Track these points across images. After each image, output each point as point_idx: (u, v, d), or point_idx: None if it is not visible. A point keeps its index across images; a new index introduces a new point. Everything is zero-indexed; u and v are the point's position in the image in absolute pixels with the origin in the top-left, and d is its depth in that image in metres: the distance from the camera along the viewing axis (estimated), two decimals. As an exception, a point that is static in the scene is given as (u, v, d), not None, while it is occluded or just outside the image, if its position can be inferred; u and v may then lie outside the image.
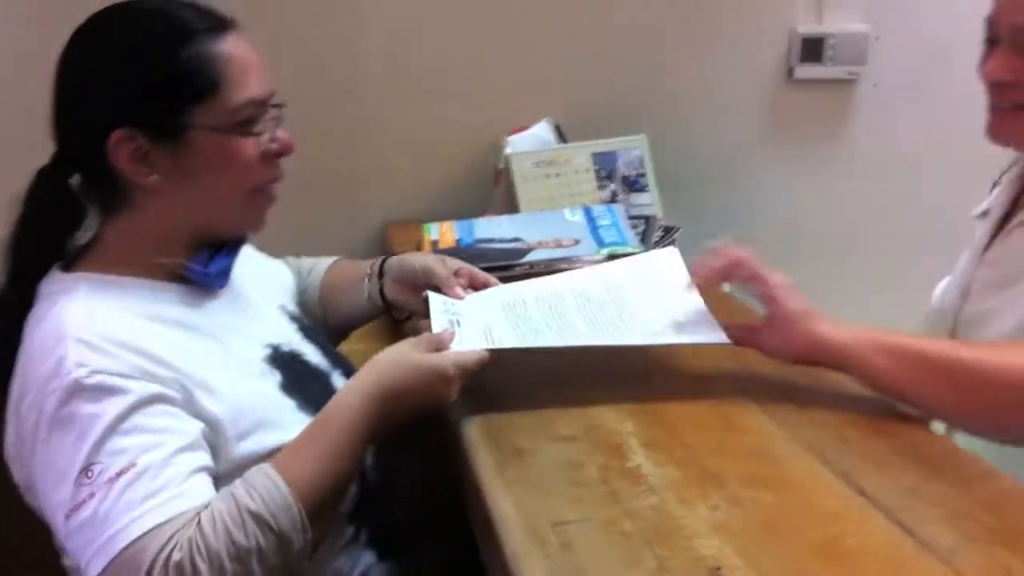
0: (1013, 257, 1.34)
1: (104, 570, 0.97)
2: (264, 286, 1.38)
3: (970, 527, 0.95)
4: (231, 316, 1.23)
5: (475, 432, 1.18)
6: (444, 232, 1.79)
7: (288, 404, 1.19)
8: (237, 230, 1.24)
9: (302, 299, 1.50)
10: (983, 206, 1.48)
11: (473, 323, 1.28)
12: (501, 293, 1.38)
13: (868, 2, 2.30)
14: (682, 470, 1.06)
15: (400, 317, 1.48)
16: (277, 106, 1.21)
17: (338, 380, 1.32)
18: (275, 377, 1.21)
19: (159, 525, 0.98)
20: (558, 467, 1.09)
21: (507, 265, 1.64)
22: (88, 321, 1.07)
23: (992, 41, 1.31)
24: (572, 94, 2.21)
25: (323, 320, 1.50)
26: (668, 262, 1.42)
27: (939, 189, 2.29)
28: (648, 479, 1.05)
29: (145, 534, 0.97)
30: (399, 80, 2.14)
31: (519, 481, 1.06)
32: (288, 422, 1.16)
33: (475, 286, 1.39)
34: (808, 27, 2.28)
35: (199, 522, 1.00)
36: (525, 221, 1.85)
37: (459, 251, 1.71)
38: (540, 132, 2.10)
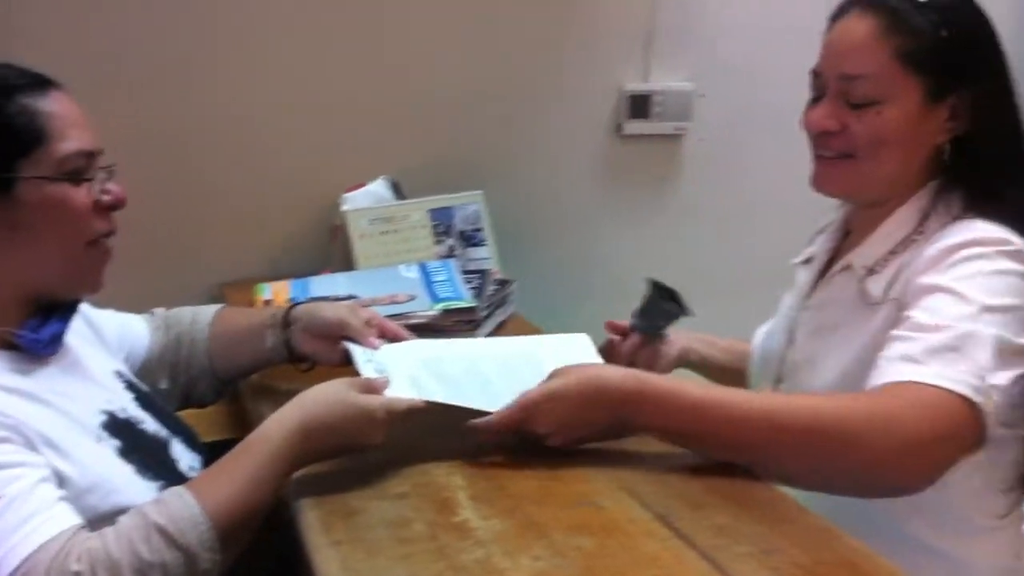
0: (836, 302, 1.39)
1: None
2: (100, 351, 1.35)
3: (780, 563, 0.99)
4: (64, 382, 1.20)
5: (304, 493, 1.17)
6: (278, 292, 1.78)
7: (126, 469, 1.17)
8: (73, 290, 1.23)
9: (188, 350, 1.48)
10: (806, 253, 1.54)
11: (397, 374, 1.30)
12: (418, 348, 1.40)
13: (691, 61, 2.41)
14: (508, 521, 1.08)
15: (304, 367, 1.47)
16: (106, 167, 1.22)
17: (178, 447, 1.30)
18: (113, 443, 1.18)
19: (42, 545, 0.98)
20: (387, 525, 1.09)
21: (341, 323, 1.64)
22: None
23: (818, 95, 1.36)
24: (408, 151, 2.24)
25: (211, 368, 1.48)
26: (581, 346, 1.44)
27: (762, 236, 2.40)
28: (475, 532, 1.06)
29: (30, 556, 0.97)
30: (231, 137, 2.13)
31: (347, 541, 1.06)
32: (127, 486, 1.14)
33: (385, 336, 1.42)
34: (635, 85, 2.37)
35: (103, 534, 1.00)
36: (361, 278, 1.85)
37: (293, 310, 1.70)
38: (377, 189, 2.11)
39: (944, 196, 1.32)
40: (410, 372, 1.32)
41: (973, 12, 1.32)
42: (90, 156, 1.19)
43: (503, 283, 1.90)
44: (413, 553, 1.03)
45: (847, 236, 1.46)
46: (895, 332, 1.19)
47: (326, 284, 1.81)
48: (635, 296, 2.32)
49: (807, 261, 1.52)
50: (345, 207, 2.04)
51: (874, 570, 0.99)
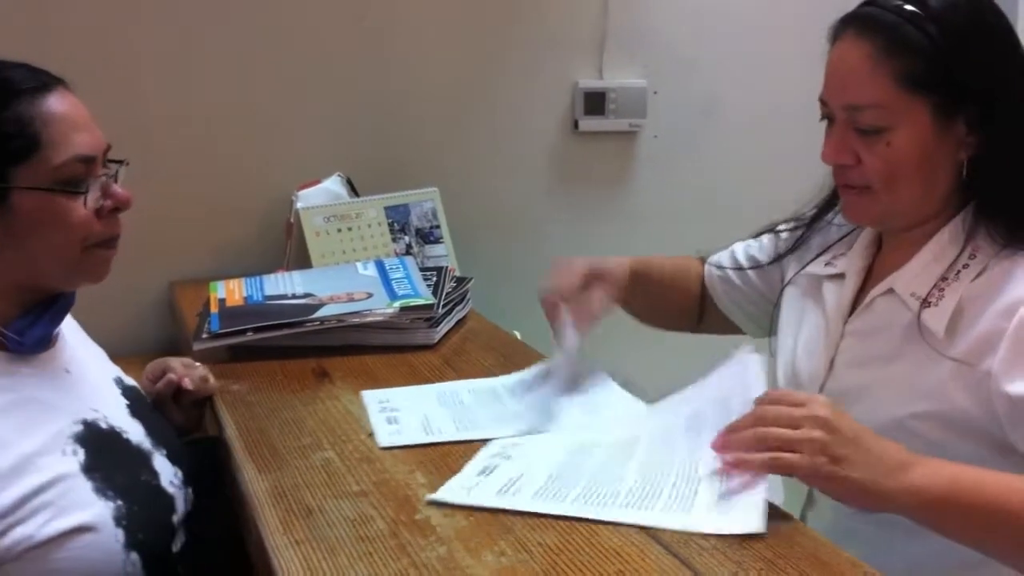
0: (883, 331, 1.30)
1: None
2: (100, 354, 1.35)
3: (743, 556, 0.99)
4: (46, 388, 1.18)
5: (262, 492, 1.16)
6: (232, 290, 1.75)
7: (86, 486, 1.14)
8: (72, 284, 1.21)
9: None
10: (834, 265, 1.40)
11: (529, 466, 1.17)
12: (562, 437, 1.27)
13: (645, 59, 2.42)
14: (470, 519, 1.07)
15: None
16: (115, 161, 1.20)
17: (160, 460, 1.27)
18: (78, 457, 1.15)
19: None
20: (347, 523, 1.08)
21: (297, 322, 1.62)
22: None
23: (828, 119, 1.29)
24: (363, 148, 2.22)
25: None
26: (747, 372, 1.23)
27: (713, 233, 2.40)
28: (437, 530, 1.05)
29: None
30: (183, 133, 2.09)
31: (307, 540, 1.05)
32: (82, 503, 1.12)
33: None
34: (590, 82, 2.37)
35: None
36: (317, 276, 1.84)
37: (248, 309, 1.68)
38: (331, 186, 2.10)
39: (985, 219, 1.24)
40: (547, 466, 1.17)
41: (978, 11, 1.23)
42: (89, 161, 1.16)
43: (460, 280, 1.89)
44: (374, 551, 1.02)
45: (879, 251, 1.37)
46: None
47: (281, 282, 1.79)
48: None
49: (834, 276, 1.39)
50: (299, 204, 2.01)
51: (835, 562, 0.99)
